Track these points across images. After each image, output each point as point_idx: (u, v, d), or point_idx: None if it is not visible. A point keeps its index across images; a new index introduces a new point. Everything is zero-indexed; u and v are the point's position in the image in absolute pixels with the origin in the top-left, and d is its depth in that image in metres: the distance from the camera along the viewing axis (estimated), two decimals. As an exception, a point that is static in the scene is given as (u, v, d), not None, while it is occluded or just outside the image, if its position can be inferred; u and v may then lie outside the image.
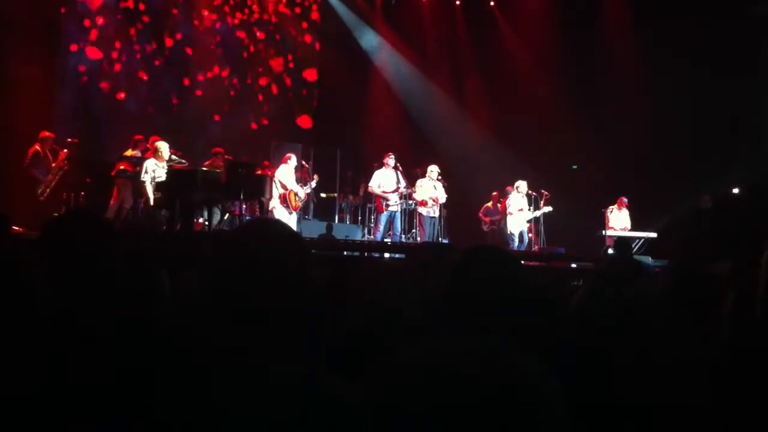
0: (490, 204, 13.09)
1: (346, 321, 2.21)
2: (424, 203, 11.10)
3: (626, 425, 1.74)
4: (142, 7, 12.36)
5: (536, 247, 11.83)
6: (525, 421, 0.94)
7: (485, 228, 12.95)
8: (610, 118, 12.77)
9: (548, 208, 11.75)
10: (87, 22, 11.67)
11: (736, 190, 12.13)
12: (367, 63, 15.26)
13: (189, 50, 13.09)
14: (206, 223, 9.28)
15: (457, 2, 15.29)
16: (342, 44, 14.76)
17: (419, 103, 14.88)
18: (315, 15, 14.95)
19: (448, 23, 15.22)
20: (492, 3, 15.13)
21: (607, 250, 11.15)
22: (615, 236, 11.60)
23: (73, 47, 11.50)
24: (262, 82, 14.21)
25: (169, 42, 12.79)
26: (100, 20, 11.81)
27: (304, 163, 11.64)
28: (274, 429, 1.13)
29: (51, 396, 1.37)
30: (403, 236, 11.51)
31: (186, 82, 13.01)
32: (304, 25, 14.81)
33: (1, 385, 1.33)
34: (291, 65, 14.62)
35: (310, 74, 14.84)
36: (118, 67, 11.99)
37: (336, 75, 14.37)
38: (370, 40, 15.28)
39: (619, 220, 11.98)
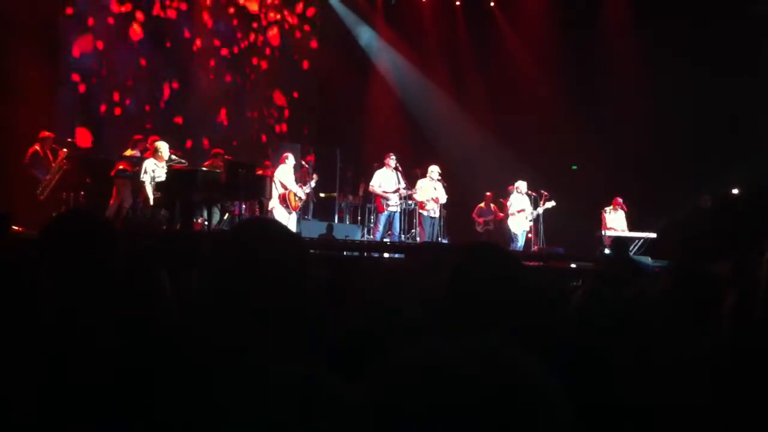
0: (483, 204, 13.14)
1: (346, 321, 2.21)
2: (423, 206, 11.08)
3: (626, 425, 1.74)
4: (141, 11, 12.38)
5: (535, 246, 11.84)
6: (525, 421, 0.94)
7: (479, 229, 12.99)
8: (610, 118, 12.77)
9: (551, 203, 11.74)
10: (87, 23, 11.65)
11: (735, 191, 12.13)
12: (367, 63, 15.26)
13: (190, 50, 13.07)
14: (206, 223, 9.27)
15: (457, 2, 15.29)
16: (342, 44, 14.76)
17: (419, 102, 14.88)
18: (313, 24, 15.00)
19: (448, 23, 15.22)
20: (492, 3, 15.13)
21: (603, 250, 11.14)
22: (612, 236, 11.59)
23: (73, 47, 11.47)
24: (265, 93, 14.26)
25: (169, 43, 12.77)
26: (100, 21, 11.79)
27: (303, 162, 11.64)
28: (274, 429, 1.13)
29: (51, 396, 1.37)
30: (403, 236, 11.51)
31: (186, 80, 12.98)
32: (313, 44, 14.85)
33: (2, 385, 1.32)
34: (295, 95, 14.66)
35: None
36: (118, 67, 11.97)
37: (336, 75, 14.37)
38: (369, 39, 15.28)
39: (615, 221, 11.97)
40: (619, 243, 9.08)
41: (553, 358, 1.21)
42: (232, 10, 13.70)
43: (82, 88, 11.47)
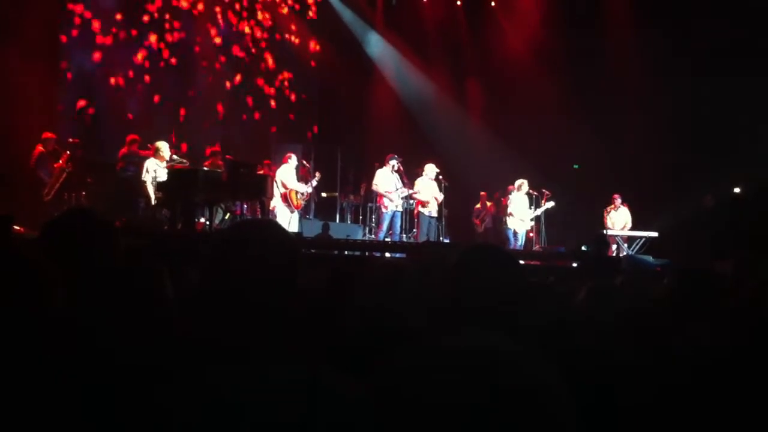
0: (479, 205, 13.20)
1: (347, 321, 2.21)
2: (425, 204, 10.97)
3: (627, 425, 1.74)
4: (146, 10, 12.38)
5: (537, 246, 11.82)
6: (527, 421, 0.94)
7: (479, 230, 13.07)
8: (612, 117, 12.75)
9: (551, 204, 11.71)
10: (88, 25, 11.66)
11: (737, 190, 12.10)
12: (368, 62, 15.26)
13: (191, 51, 13.07)
14: (207, 222, 9.27)
15: (458, 2, 15.30)
16: (342, 44, 14.76)
17: (420, 102, 14.89)
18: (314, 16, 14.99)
19: (449, 23, 15.23)
20: (493, 3, 15.13)
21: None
22: (615, 235, 11.59)
23: (75, 49, 11.47)
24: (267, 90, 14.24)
25: (171, 44, 12.78)
26: (102, 23, 11.81)
27: (305, 162, 11.65)
28: (279, 427, 1.13)
29: (55, 395, 1.37)
30: (404, 236, 11.50)
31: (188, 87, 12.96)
32: (314, 44, 14.84)
33: (6, 385, 1.33)
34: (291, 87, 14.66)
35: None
36: (119, 69, 11.97)
37: (336, 74, 14.38)
38: (370, 39, 15.29)
39: (618, 220, 11.93)
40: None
41: (556, 357, 1.21)
42: (233, 10, 13.71)
43: (82, 89, 11.46)
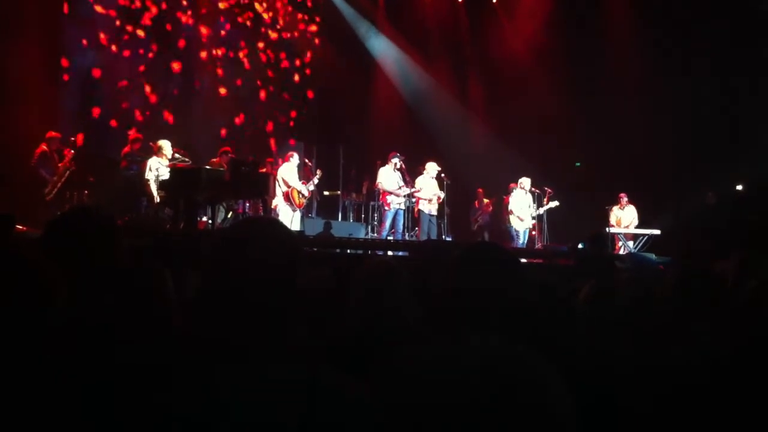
0: (476, 202, 13.19)
1: (347, 320, 2.21)
2: (427, 201, 10.94)
3: (627, 425, 1.74)
4: (149, 10, 12.39)
5: (539, 244, 11.80)
6: (527, 421, 0.94)
7: (472, 228, 13.07)
8: (614, 115, 12.74)
9: (555, 203, 11.69)
10: (90, 23, 11.66)
11: (739, 187, 12.10)
12: (370, 60, 15.26)
13: (192, 49, 13.07)
14: (209, 221, 9.26)
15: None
16: (344, 42, 14.76)
17: (422, 100, 14.89)
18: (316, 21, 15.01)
19: (450, 20, 15.23)
20: (494, 0, 15.12)
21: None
22: (619, 233, 11.56)
23: (77, 47, 11.47)
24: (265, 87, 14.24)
25: (176, 42, 12.79)
26: (103, 22, 11.81)
27: (306, 161, 11.65)
28: (279, 427, 1.14)
29: (54, 395, 1.37)
30: (407, 234, 11.49)
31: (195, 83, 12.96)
32: (316, 42, 14.83)
33: (6, 385, 1.33)
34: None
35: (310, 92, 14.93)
36: (122, 66, 11.97)
37: (338, 72, 14.37)
38: (372, 37, 15.30)
39: (625, 218, 11.89)
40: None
41: (555, 357, 1.22)
42: (235, 8, 13.72)
43: (83, 88, 11.46)
